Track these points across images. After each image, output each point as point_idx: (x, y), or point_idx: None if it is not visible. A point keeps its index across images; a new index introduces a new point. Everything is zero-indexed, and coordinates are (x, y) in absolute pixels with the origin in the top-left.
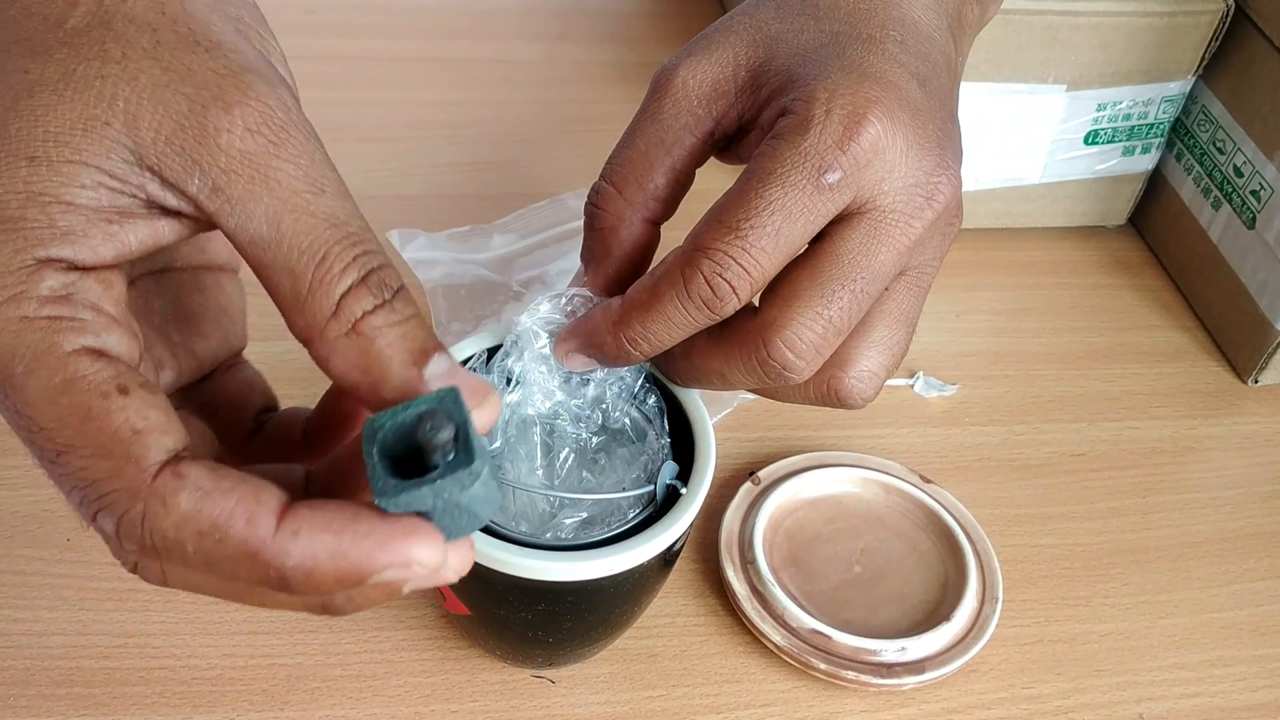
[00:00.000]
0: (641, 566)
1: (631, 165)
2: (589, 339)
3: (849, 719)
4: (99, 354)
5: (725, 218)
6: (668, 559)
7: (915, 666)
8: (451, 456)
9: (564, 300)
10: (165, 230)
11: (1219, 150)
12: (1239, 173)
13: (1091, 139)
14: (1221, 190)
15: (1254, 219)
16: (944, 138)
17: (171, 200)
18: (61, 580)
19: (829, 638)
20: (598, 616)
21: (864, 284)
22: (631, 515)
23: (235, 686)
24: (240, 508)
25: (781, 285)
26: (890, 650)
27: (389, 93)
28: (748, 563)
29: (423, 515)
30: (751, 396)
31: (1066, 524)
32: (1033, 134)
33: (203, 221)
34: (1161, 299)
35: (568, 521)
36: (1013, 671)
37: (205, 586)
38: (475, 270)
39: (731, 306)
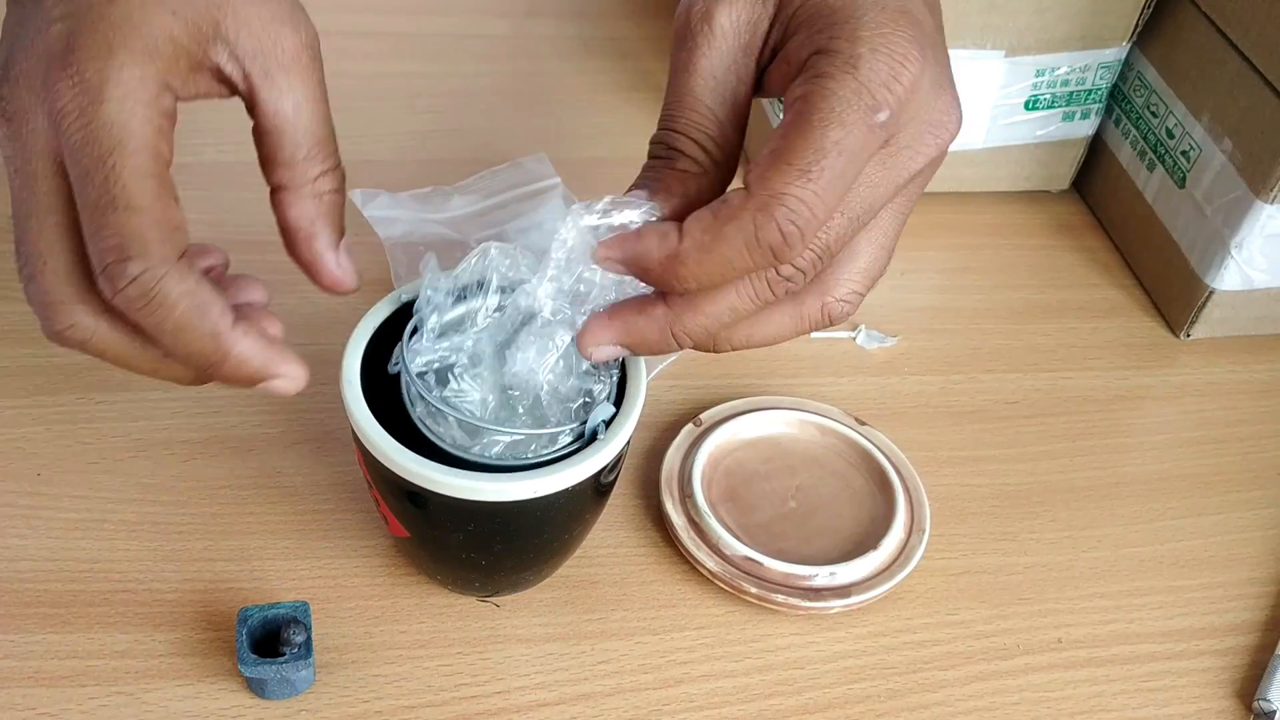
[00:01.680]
0: (568, 491)
1: (694, 113)
2: (636, 258)
3: (780, 640)
4: (169, 163)
5: (794, 160)
6: (599, 488)
7: (842, 591)
8: (296, 650)
9: (616, 207)
10: (215, 89)
11: (1153, 114)
12: (1171, 134)
13: (1032, 105)
14: (1155, 152)
15: (1184, 178)
16: (951, 76)
17: (231, 69)
18: (31, 511)
19: (760, 564)
20: (527, 541)
21: (860, 212)
22: (563, 443)
23: (194, 608)
24: (219, 301)
25: None
26: (822, 575)
27: (359, 65)
28: (686, 497)
29: (260, 681)
30: None
31: (998, 465)
32: (974, 99)
33: (236, 91)
34: (1101, 259)
35: (499, 439)
36: (938, 599)
37: (120, 351)
38: (435, 229)
39: (794, 255)
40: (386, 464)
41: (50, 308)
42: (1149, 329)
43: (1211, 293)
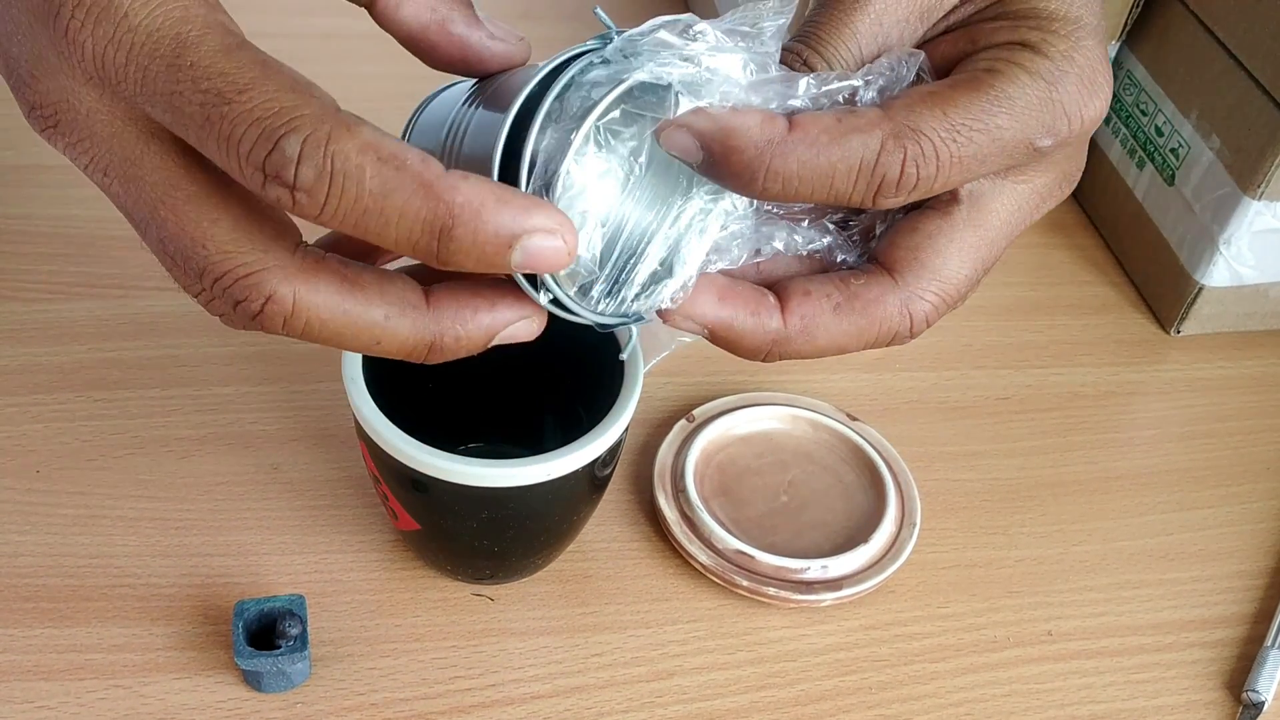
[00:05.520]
0: (573, 474)
1: (844, 46)
2: (725, 137)
3: (771, 633)
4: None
5: (951, 112)
6: (597, 476)
7: (833, 584)
8: (292, 643)
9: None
10: None
11: (1142, 112)
12: (1160, 132)
13: None
14: (1145, 150)
15: (1173, 176)
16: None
17: None
18: (30, 507)
19: (752, 557)
20: (538, 524)
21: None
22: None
23: (191, 602)
24: (409, 148)
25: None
26: (814, 568)
27: (358, 66)
28: (679, 491)
29: (255, 674)
30: (689, 339)
31: (988, 460)
32: None
33: None
34: (1092, 257)
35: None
36: (929, 592)
37: (333, 313)
38: None
39: (897, 201)
40: (397, 456)
41: (236, 289)
42: (1139, 325)
43: (1201, 289)
